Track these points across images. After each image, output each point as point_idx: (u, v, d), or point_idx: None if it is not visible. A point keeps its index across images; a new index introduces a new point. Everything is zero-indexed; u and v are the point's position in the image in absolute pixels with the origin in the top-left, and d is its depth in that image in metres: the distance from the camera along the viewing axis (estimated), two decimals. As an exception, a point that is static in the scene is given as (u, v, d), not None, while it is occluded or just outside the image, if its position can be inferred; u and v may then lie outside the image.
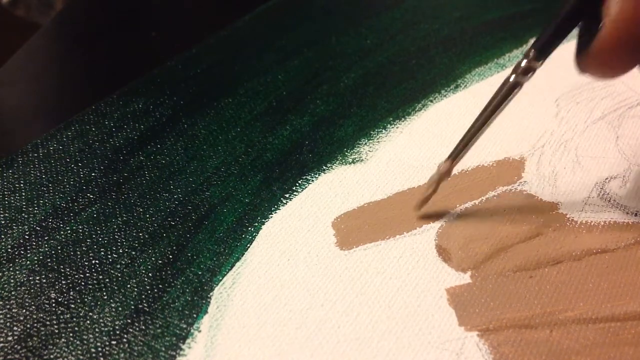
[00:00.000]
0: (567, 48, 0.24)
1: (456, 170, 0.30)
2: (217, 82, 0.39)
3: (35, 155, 0.33)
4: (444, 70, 0.38)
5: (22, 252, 0.27)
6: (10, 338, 0.23)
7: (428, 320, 0.23)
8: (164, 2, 0.54)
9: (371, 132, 0.33)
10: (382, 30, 0.43)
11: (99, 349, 0.23)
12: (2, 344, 0.23)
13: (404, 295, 0.24)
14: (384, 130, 0.33)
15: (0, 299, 0.25)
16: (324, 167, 0.31)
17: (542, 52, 0.23)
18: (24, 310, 0.24)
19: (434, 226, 0.27)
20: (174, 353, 0.23)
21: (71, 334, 0.23)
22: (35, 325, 0.24)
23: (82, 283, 0.25)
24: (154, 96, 0.37)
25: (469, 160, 0.30)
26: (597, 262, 0.25)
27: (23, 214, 0.29)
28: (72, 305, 0.25)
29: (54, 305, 0.25)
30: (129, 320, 0.24)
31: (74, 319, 0.24)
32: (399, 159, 0.31)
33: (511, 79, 0.24)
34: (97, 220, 0.29)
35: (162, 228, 0.28)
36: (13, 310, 0.24)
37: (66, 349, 0.23)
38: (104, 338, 0.23)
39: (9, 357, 0.23)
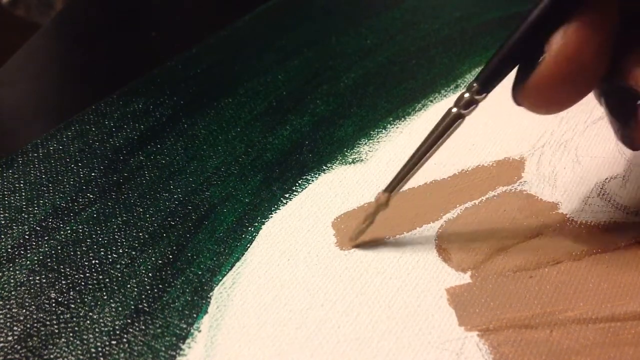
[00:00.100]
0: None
1: (456, 170, 0.30)
2: (217, 82, 0.39)
3: (35, 155, 0.33)
4: (444, 70, 0.38)
5: (22, 252, 0.27)
6: (10, 338, 0.23)
7: (428, 320, 0.23)
8: (164, 2, 0.54)
9: (371, 132, 0.33)
10: (382, 30, 0.43)
11: (99, 349, 0.23)
12: (2, 344, 0.23)
13: (404, 295, 0.24)
14: (384, 130, 0.33)
15: (0, 299, 0.25)
16: (324, 167, 0.31)
17: (485, 85, 0.23)
18: (24, 310, 0.24)
19: (434, 226, 0.27)
20: (174, 353, 0.23)
21: (71, 334, 0.23)
22: (35, 325, 0.24)
23: (82, 283, 0.25)
24: (154, 96, 0.37)
25: (469, 160, 0.30)
26: (597, 262, 0.25)
27: (23, 214, 0.29)
28: (72, 305, 0.25)
29: (54, 305, 0.25)
30: (129, 320, 0.24)
31: (74, 319, 0.24)
32: (399, 159, 0.31)
33: (453, 111, 0.23)
34: (97, 220, 0.29)
35: (162, 228, 0.28)
36: (13, 310, 0.24)
37: (66, 349, 0.23)
38: (104, 338, 0.23)
39: (9, 357, 0.23)
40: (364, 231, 0.26)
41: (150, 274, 0.26)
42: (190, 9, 0.53)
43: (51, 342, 0.23)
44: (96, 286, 0.25)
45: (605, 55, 0.21)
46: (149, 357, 0.22)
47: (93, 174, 0.31)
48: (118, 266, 0.26)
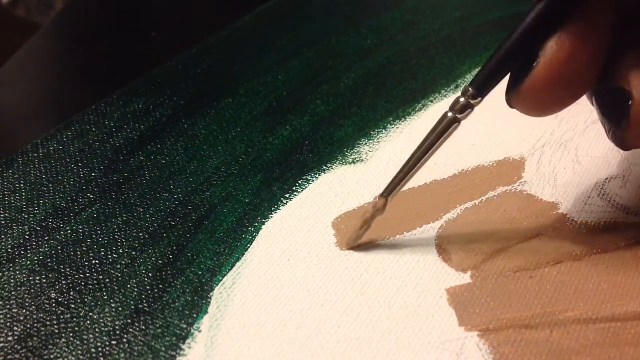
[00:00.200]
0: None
1: (456, 170, 0.30)
2: (217, 82, 0.39)
3: (35, 155, 0.33)
4: (444, 70, 0.38)
5: (22, 252, 0.27)
6: (10, 338, 0.23)
7: (428, 320, 0.23)
8: (164, 2, 0.54)
9: (371, 132, 0.33)
10: (382, 30, 0.43)
11: (99, 349, 0.23)
12: (2, 344, 0.23)
13: (404, 295, 0.24)
14: (384, 130, 0.33)
15: (0, 299, 0.25)
16: (324, 167, 0.31)
17: (480, 89, 0.23)
18: (24, 310, 0.24)
19: (434, 226, 0.27)
20: (174, 353, 0.23)
21: (71, 334, 0.23)
22: (35, 325, 0.24)
23: (82, 283, 0.25)
24: (154, 96, 0.37)
25: (469, 160, 0.30)
26: (597, 262, 0.25)
27: (23, 214, 0.29)
28: (72, 305, 0.25)
29: (54, 305, 0.25)
30: (129, 320, 0.24)
31: (74, 319, 0.24)
32: (399, 159, 0.31)
33: (448, 115, 0.24)
34: (97, 220, 0.29)
35: (162, 228, 0.28)
36: (13, 310, 0.24)
37: (66, 349, 0.23)
38: (104, 338, 0.23)
39: (9, 357, 0.23)
40: (361, 236, 0.26)
41: (150, 274, 0.26)
42: (190, 9, 0.53)
43: (51, 342, 0.23)
44: (96, 286, 0.25)
45: (598, 59, 0.22)
46: (149, 357, 0.22)
47: (93, 174, 0.31)
48: (118, 266, 0.26)
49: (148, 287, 0.25)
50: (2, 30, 0.65)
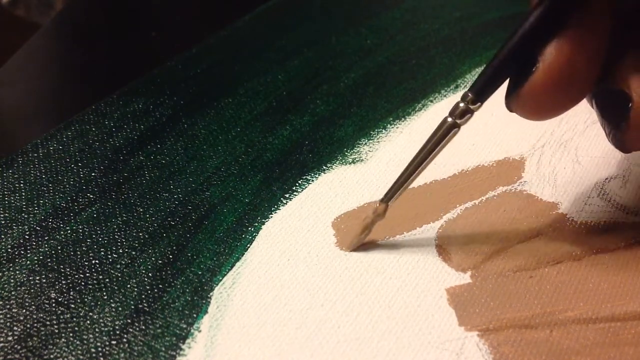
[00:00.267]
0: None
1: (456, 170, 0.30)
2: (217, 82, 0.39)
3: (35, 155, 0.33)
4: (444, 70, 0.38)
5: (22, 252, 0.27)
6: (10, 338, 0.23)
7: (428, 320, 0.23)
8: (164, 2, 0.54)
9: (371, 132, 0.33)
10: (382, 30, 0.43)
11: (99, 349, 0.23)
12: (2, 344, 0.23)
13: (404, 295, 0.24)
14: (384, 130, 0.33)
15: (0, 299, 0.25)
16: (324, 167, 0.31)
17: (480, 95, 0.23)
18: (24, 310, 0.24)
19: (434, 226, 0.27)
20: (174, 353, 0.23)
21: (71, 334, 0.23)
22: (35, 325, 0.24)
23: (82, 283, 0.25)
24: (154, 96, 0.37)
25: (469, 160, 0.30)
26: (597, 262, 0.25)
27: (23, 214, 0.29)
28: (72, 305, 0.25)
29: (54, 305, 0.25)
30: (129, 320, 0.24)
31: (74, 319, 0.24)
32: (399, 159, 0.31)
33: (448, 120, 0.24)
34: (97, 220, 0.29)
35: (162, 228, 0.28)
36: (13, 310, 0.24)
37: (66, 349, 0.23)
38: (104, 338, 0.23)
39: (9, 357, 0.23)
40: (362, 241, 0.26)
41: (150, 274, 0.26)
42: (190, 9, 0.53)
43: (51, 342, 0.23)
44: (96, 286, 0.25)
45: (597, 63, 0.22)
46: (149, 357, 0.22)
47: (93, 174, 0.31)
48: (118, 266, 0.26)
49: (148, 287, 0.25)
50: (2, 30, 0.65)
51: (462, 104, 0.23)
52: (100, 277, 0.26)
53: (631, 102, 0.21)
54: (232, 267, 0.26)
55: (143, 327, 0.24)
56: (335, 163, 0.31)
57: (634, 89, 0.21)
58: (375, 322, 0.23)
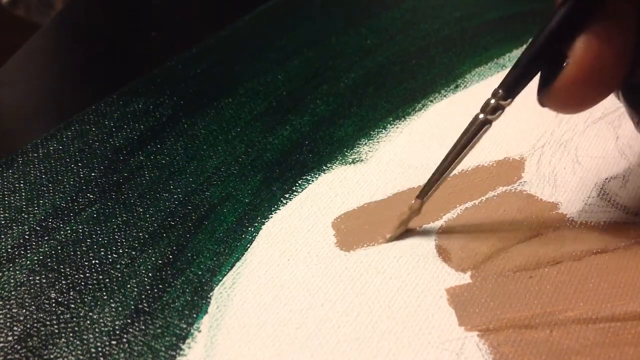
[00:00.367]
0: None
1: (456, 170, 0.30)
2: (217, 82, 0.39)
3: (35, 155, 0.33)
4: (444, 70, 0.38)
5: (22, 252, 0.27)
6: (10, 338, 0.23)
7: (428, 320, 0.23)
8: (164, 2, 0.54)
9: (371, 132, 0.33)
10: (382, 30, 0.43)
11: (99, 349, 0.23)
12: (2, 344, 0.23)
13: (404, 295, 0.24)
14: (384, 130, 0.33)
15: (0, 299, 0.25)
16: (324, 167, 0.31)
17: (510, 91, 0.24)
18: (24, 310, 0.24)
19: (434, 226, 0.27)
20: (174, 353, 0.23)
21: (71, 334, 0.23)
22: (35, 325, 0.24)
23: (82, 283, 0.25)
24: (154, 96, 0.37)
25: (469, 160, 0.30)
26: (597, 262, 0.25)
27: (23, 214, 0.29)
28: (72, 305, 0.25)
29: (54, 305, 0.25)
30: (129, 320, 0.24)
31: (74, 319, 0.24)
32: (399, 159, 0.31)
33: (480, 117, 0.24)
34: (97, 220, 0.29)
35: (162, 228, 0.28)
36: (13, 310, 0.24)
37: (66, 349, 0.23)
38: (104, 338, 0.23)
39: (9, 357, 0.23)
40: (398, 235, 0.26)
41: (150, 274, 0.26)
42: (190, 9, 0.53)
43: (51, 342, 0.23)
44: (96, 286, 0.25)
45: (625, 57, 0.22)
46: (149, 357, 0.22)
47: (93, 174, 0.31)
48: (118, 266, 0.26)
49: (148, 287, 0.25)
50: (2, 30, 0.65)
51: (492, 101, 0.24)
52: (100, 277, 0.26)
53: None
54: (232, 267, 0.26)
55: (143, 327, 0.24)
56: (335, 163, 0.31)
57: None
58: (375, 322, 0.23)
